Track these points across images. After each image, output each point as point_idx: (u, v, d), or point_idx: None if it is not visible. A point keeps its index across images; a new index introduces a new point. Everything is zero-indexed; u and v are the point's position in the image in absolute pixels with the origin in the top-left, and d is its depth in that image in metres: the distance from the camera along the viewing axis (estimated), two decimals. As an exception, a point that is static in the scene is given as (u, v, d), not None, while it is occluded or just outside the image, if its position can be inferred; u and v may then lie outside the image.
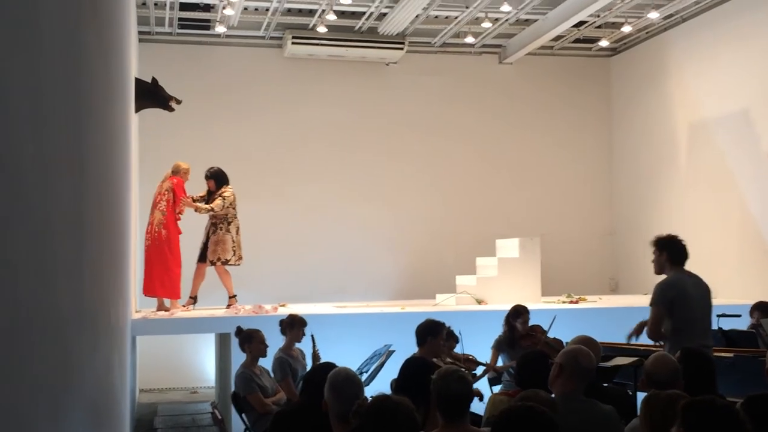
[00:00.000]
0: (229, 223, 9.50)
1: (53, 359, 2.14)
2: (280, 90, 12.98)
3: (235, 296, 9.72)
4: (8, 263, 1.53)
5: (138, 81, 9.00)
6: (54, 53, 2.14)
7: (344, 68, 13.18)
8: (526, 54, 13.33)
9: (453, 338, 7.05)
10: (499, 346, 7.53)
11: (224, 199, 9.48)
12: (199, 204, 9.45)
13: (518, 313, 7.56)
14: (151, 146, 11.70)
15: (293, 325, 7.07)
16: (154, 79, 9.23)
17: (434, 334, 6.11)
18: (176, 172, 9.44)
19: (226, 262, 9.45)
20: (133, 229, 8.77)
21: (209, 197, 9.61)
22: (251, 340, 6.68)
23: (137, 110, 9.20)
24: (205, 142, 12.35)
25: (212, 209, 9.38)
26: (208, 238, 9.49)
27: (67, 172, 2.29)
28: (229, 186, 9.62)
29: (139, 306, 9.96)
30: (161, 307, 9.28)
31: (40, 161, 1.84)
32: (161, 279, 9.15)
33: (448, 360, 6.51)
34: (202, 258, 9.51)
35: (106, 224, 3.99)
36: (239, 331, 6.84)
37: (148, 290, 9.26)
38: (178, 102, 9.37)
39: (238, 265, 9.54)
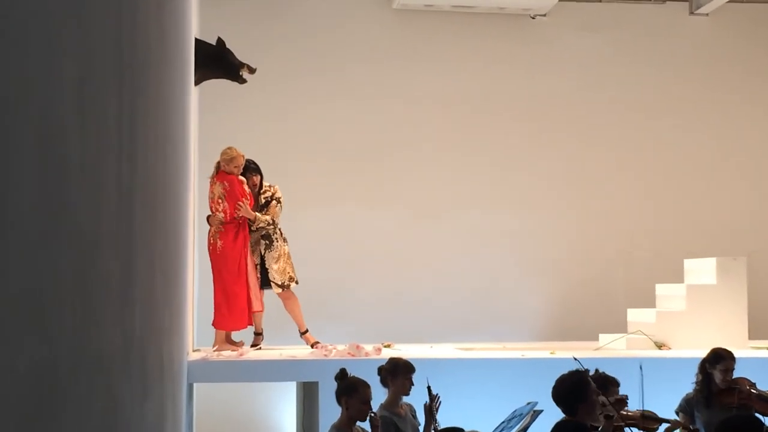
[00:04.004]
0: (280, 230, 9.68)
1: (96, 410, 2.25)
2: (386, 53, 13.08)
3: (307, 331, 9.80)
4: (55, 293, 1.61)
5: (199, 43, 9.24)
6: (101, 14, 2.23)
7: (474, 23, 13.19)
8: (728, 1, 13.07)
9: (616, 387, 6.93)
10: (690, 408, 7.42)
11: (279, 202, 9.68)
12: (258, 214, 9.48)
13: (719, 358, 7.44)
14: (212, 129, 11.98)
15: (396, 373, 7.02)
16: (220, 40, 9.45)
17: (582, 398, 5.95)
18: (220, 168, 9.40)
19: (296, 282, 9.65)
20: (192, 238, 8.99)
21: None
22: (353, 394, 6.56)
23: (198, 82, 9.44)
24: (283, 122, 12.60)
25: (272, 222, 9.55)
26: (262, 257, 9.62)
27: (114, 171, 2.39)
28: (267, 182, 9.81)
29: (197, 343, 10.20)
30: (225, 343, 9.47)
31: (86, 159, 1.93)
32: (218, 306, 9.39)
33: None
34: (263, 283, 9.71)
35: (160, 235, 4.14)
36: (342, 376, 6.72)
37: (214, 320, 9.54)
38: (252, 71, 9.54)
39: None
